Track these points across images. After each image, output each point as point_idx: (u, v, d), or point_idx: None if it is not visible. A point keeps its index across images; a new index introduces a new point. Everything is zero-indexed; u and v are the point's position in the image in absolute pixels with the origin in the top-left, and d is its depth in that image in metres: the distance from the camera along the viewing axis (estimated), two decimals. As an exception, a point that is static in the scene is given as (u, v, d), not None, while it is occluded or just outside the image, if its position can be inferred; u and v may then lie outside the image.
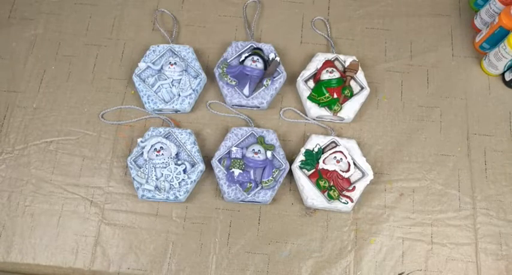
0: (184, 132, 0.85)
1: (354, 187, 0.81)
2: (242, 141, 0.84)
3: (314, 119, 0.89)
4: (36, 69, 0.93)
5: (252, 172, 0.81)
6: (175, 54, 0.90)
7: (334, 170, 0.81)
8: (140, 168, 0.82)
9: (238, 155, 0.82)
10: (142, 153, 0.83)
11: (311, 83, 0.89)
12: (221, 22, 0.97)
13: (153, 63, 0.89)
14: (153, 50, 0.90)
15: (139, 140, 0.83)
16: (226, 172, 0.81)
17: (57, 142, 0.88)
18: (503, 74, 0.91)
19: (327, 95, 0.85)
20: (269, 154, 0.82)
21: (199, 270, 0.80)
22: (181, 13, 0.98)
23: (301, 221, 0.83)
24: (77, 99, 0.91)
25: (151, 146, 0.82)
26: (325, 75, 0.86)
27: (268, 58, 0.89)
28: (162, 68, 0.88)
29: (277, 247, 0.81)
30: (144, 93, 0.87)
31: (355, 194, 0.81)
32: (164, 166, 0.80)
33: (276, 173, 0.81)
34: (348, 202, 0.80)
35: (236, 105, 0.89)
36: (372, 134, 0.89)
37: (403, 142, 0.88)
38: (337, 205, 0.80)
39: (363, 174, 0.82)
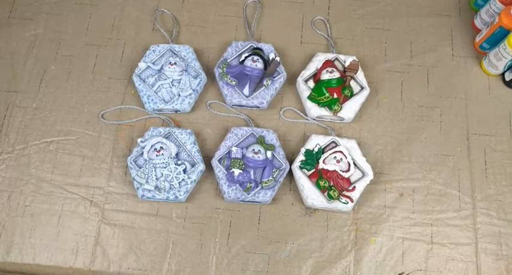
0: (184, 132, 0.84)
1: (354, 187, 0.81)
2: (242, 141, 0.84)
3: (314, 119, 0.89)
4: (36, 69, 0.93)
5: (252, 172, 0.81)
6: (175, 54, 0.90)
7: (334, 170, 0.81)
8: (140, 168, 0.82)
9: (238, 155, 0.82)
10: (142, 153, 0.83)
11: (311, 83, 0.89)
12: (221, 22, 0.97)
13: (153, 63, 0.89)
14: (153, 50, 0.90)
15: (139, 140, 0.83)
16: (226, 172, 0.81)
17: (57, 142, 0.88)
18: (503, 74, 0.91)
19: (327, 95, 0.85)
20: (269, 153, 0.81)
21: (199, 270, 0.80)
22: (181, 13, 0.98)
23: (301, 221, 0.83)
24: (77, 99, 0.91)
25: (151, 146, 0.82)
26: (325, 75, 0.86)
27: (268, 58, 0.89)
28: (162, 68, 0.88)
29: (277, 247, 0.81)
30: (144, 93, 0.87)
31: (355, 194, 0.81)
32: (164, 166, 0.80)
33: (276, 173, 0.81)
34: (348, 202, 0.80)
35: (236, 105, 0.89)
36: (372, 134, 0.89)
37: (403, 142, 0.88)
38: (337, 205, 0.80)
39: (363, 174, 0.82)
